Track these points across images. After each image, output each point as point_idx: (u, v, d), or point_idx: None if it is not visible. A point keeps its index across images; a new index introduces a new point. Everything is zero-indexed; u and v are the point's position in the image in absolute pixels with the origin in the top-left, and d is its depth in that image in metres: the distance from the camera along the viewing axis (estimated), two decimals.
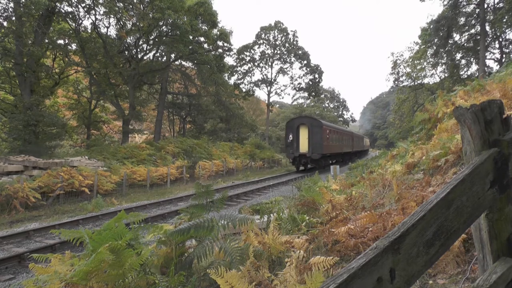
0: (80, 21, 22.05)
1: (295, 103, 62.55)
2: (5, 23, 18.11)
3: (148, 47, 26.13)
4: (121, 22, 24.00)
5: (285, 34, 46.50)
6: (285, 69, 47.79)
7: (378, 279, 0.86)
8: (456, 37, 30.32)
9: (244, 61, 45.46)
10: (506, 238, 1.37)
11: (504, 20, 23.66)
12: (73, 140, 25.68)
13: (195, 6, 25.68)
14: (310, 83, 48.34)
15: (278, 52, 46.71)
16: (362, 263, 0.84)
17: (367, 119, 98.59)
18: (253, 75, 46.05)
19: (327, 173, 17.74)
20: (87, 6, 21.76)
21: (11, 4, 17.38)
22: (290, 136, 24.67)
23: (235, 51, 41.77)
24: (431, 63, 36.20)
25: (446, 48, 30.34)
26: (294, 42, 46.93)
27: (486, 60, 28.05)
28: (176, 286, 3.00)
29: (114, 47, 23.46)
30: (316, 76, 48.04)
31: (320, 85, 51.04)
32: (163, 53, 28.46)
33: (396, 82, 40.85)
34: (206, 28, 28.16)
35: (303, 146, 24.09)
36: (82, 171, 14.86)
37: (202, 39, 28.46)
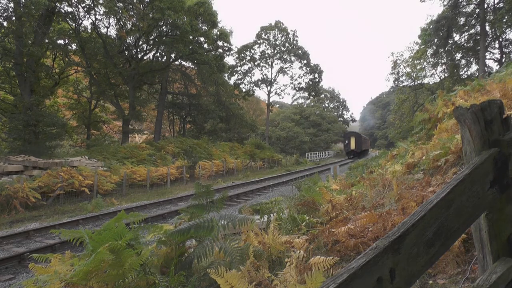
0: (80, 21, 22.07)
1: (295, 103, 62.61)
2: (5, 23, 18.11)
3: (148, 47, 26.12)
4: (121, 22, 23.99)
5: (285, 33, 46.52)
6: (285, 69, 47.83)
7: (378, 279, 0.86)
8: (456, 37, 30.33)
9: (244, 61, 45.47)
10: (506, 238, 1.37)
11: (504, 20, 23.64)
12: (73, 140, 25.68)
13: (195, 6, 25.68)
14: (310, 82, 48.36)
15: (278, 51, 46.73)
16: (362, 263, 0.84)
17: (366, 119, 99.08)
18: (253, 75, 46.12)
19: (328, 172, 17.73)
20: (87, 6, 21.77)
21: (11, 4, 17.37)
22: (346, 141, 47.11)
23: (235, 50, 41.81)
24: (431, 63, 36.21)
25: (446, 48, 30.33)
26: (294, 42, 46.95)
27: (486, 60, 28.05)
28: (176, 286, 3.00)
29: (114, 47, 23.46)
30: (316, 75, 48.06)
31: (320, 85, 51.10)
32: (163, 53, 28.46)
33: (396, 82, 40.85)
34: (206, 28, 28.16)
35: (352, 145, 45.88)
36: (82, 171, 14.86)
37: (202, 39, 28.46)
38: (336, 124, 65.51)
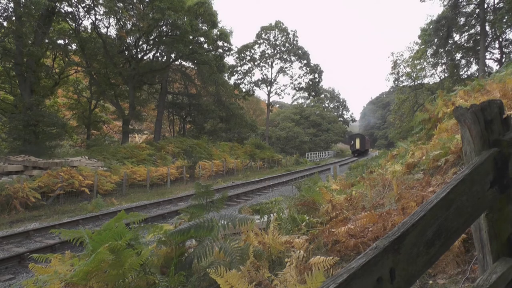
0: (80, 21, 22.09)
1: (295, 103, 62.64)
2: (5, 23, 18.12)
3: (148, 47, 26.12)
4: (121, 22, 24.00)
5: (285, 34, 46.54)
6: (285, 69, 47.87)
7: (378, 279, 0.86)
8: (456, 37, 30.33)
9: (244, 61, 45.49)
10: (506, 238, 1.36)
11: (504, 20, 23.63)
12: (73, 140, 25.67)
13: (195, 6, 25.68)
14: (310, 82, 48.38)
15: (278, 51, 46.75)
16: (362, 263, 0.83)
17: (366, 119, 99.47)
18: (253, 75, 46.16)
19: (328, 172, 17.72)
20: (87, 6, 21.77)
21: (11, 4, 17.38)
22: (352, 142, 53.53)
23: (235, 50, 41.80)
24: (431, 63, 36.21)
25: (446, 48, 30.33)
26: (294, 42, 46.97)
27: (486, 60, 28.05)
28: (176, 286, 3.00)
29: (114, 47, 23.46)
30: (316, 75, 48.09)
31: (320, 85, 51.13)
32: (163, 53, 28.45)
33: (396, 82, 40.82)
34: (206, 28, 28.16)
35: (357, 145, 51.68)
36: (82, 171, 14.86)
37: (202, 39, 28.46)
38: (336, 124, 65.48)
